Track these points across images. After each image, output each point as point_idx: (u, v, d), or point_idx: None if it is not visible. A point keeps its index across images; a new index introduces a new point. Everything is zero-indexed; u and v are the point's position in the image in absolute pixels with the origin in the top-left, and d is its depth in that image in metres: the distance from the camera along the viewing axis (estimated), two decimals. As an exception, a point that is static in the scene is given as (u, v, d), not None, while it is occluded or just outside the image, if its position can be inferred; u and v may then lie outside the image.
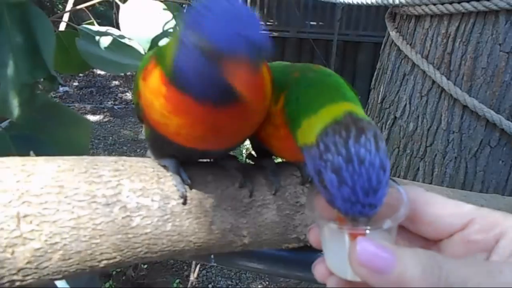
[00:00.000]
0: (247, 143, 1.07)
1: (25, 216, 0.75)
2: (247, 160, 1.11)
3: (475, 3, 2.76)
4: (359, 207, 0.68)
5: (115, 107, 9.74)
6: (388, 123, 3.57)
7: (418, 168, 3.38)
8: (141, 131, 8.38)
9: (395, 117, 3.49)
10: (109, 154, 7.68)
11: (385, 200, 0.71)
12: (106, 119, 9.13)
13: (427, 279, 0.54)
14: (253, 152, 1.13)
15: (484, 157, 3.05)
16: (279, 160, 1.09)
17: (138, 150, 7.85)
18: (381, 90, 3.72)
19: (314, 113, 0.79)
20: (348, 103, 0.80)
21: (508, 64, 2.81)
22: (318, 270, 0.72)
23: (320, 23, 9.02)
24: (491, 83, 2.88)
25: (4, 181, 0.74)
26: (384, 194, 0.68)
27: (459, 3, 2.83)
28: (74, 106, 9.56)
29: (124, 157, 0.90)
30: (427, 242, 0.72)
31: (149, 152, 1.02)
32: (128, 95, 9.89)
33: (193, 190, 0.91)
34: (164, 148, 0.94)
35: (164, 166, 0.94)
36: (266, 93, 0.89)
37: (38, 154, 1.07)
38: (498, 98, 2.90)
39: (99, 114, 9.39)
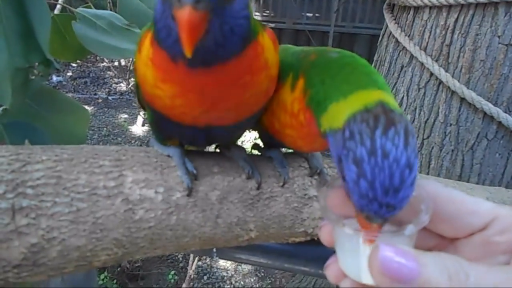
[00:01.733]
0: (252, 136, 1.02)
1: (20, 208, 0.70)
2: (253, 151, 1.07)
3: (474, -5, 2.74)
4: (375, 205, 0.62)
5: (109, 97, 9.65)
6: (385, 115, 3.56)
7: (415, 161, 3.38)
8: (136, 122, 8.30)
9: (393, 109, 3.48)
10: (104, 145, 7.61)
11: None
12: (100, 110, 9.04)
13: (453, 286, 0.51)
14: (259, 142, 1.08)
15: (481, 150, 3.05)
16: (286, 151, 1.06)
17: (133, 142, 7.79)
18: (379, 82, 3.69)
19: (343, 97, 0.74)
20: (381, 91, 0.74)
21: (507, 57, 2.80)
22: (331, 271, 0.68)
23: (317, 14, 8.98)
24: (490, 75, 2.87)
25: (-2, 171, 0.68)
26: (407, 196, 0.63)
27: (458, -6, 2.81)
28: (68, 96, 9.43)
29: (126, 146, 0.85)
30: (442, 240, 0.69)
31: (152, 141, 0.97)
32: (123, 86, 9.80)
33: (199, 182, 0.86)
34: (165, 131, 0.90)
35: (168, 156, 0.89)
36: (266, 62, 0.83)
37: (33, 143, 1.02)
38: (496, 91, 2.89)
39: (93, 105, 9.30)
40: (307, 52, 0.91)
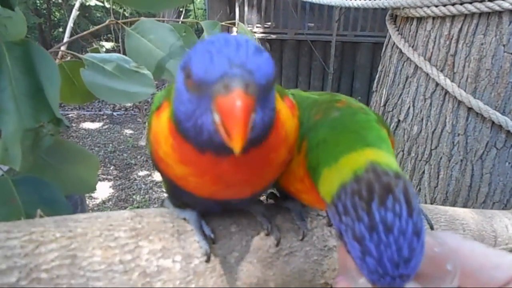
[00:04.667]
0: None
1: (35, 297, 0.65)
2: (269, 200, 1.04)
3: (478, 4, 2.73)
4: (388, 279, 0.59)
5: (114, 113, 9.70)
6: (391, 126, 3.54)
7: (424, 172, 3.36)
8: (142, 137, 8.31)
9: (399, 120, 3.46)
10: (109, 162, 7.62)
11: (426, 254, 0.64)
12: (105, 126, 9.08)
13: None
14: (275, 192, 1.05)
15: (491, 159, 3.03)
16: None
17: (138, 157, 7.79)
18: (384, 93, 3.68)
19: (334, 162, 0.69)
20: (371, 149, 0.69)
21: (513, 65, 2.78)
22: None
23: (318, 24, 8.97)
24: (496, 84, 2.86)
25: (10, 257, 0.65)
26: (419, 261, 0.60)
27: (461, 4, 2.80)
28: (73, 114, 9.50)
29: (141, 211, 0.83)
30: None
31: (167, 202, 0.94)
32: (126, 102, 9.83)
33: (217, 245, 0.84)
34: (182, 198, 0.86)
35: (184, 219, 0.87)
36: (285, 135, 0.78)
37: (45, 199, 1.00)
38: (504, 100, 2.88)
39: (98, 121, 9.34)
40: (318, 107, 0.86)
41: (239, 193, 0.82)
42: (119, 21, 1.30)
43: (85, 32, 1.35)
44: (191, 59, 0.61)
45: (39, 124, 0.92)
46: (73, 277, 0.68)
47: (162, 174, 0.87)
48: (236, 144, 0.57)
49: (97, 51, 1.27)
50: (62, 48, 1.36)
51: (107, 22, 1.34)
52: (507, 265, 0.62)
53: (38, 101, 0.94)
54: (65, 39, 1.48)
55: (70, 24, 1.65)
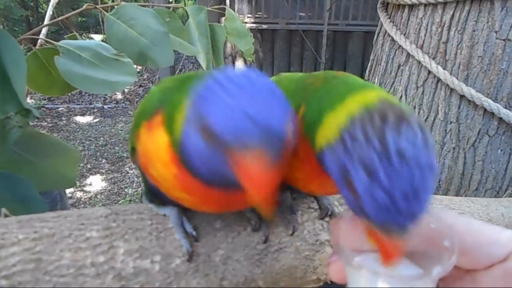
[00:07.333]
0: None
1: (-8, 308, 0.60)
2: None
3: (470, -10, 2.70)
4: (395, 215, 0.52)
5: (105, 106, 9.57)
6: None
7: (416, 160, 3.34)
8: (132, 130, 8.22)
9: (391, 109, 3.44)
10: (101, 155, 7.53)
11: (421, 231, 0.58)
12: (96, 120, 8.97)
13: None
14: None
15: (483, 146, 3.02)
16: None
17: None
18: (376, 82, 3.65)
19: (339, 103, 0.63)
20: (380, 90, 0.64)
21: (505, 52, 2.76)
22: (333, 270, 0.64)
23: (309, 14, 8.90)
24: (488, 71, 2.83)
25: (-34, 262, 0.59)
26: (428, 201, 0.54)
27: (453, -10, 2.77)
28: (63, 107, 9.38)
29: (116, 208, 0.77)
30: (457, 271, 0.61)
31: (145, 197, 0.88)
32: (118, 94, 9.72)
33: (200, 243, 0.78)
34: (162, 198, 0.81)
35: (164, 215, 0.81)
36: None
37: (18, 195, 0.94)
38: (496, 87, 2.86)
39: (89, 114, 9.23)
40: (315, 77, 0.80)
41: (238, 208, 0.78)
42: (97, 6, 1.22)
43: (61, 18, 1.27)
44: (209, 114, 0.55)
45: (5, 116, 0.86)
46: (38, 283, 0.62)
47: (145, 177, 0.81)
48: (268, 215, 0.57)
49: (74, 38, 1.20)
50: (41, 35, 1.29)
51: (84, 7, 1.26)
52: (504, 241, 0.59)
53: (3, 90, 0.87)
54: (44, 28, 1.40)
55: (49, 12, 1.57)
